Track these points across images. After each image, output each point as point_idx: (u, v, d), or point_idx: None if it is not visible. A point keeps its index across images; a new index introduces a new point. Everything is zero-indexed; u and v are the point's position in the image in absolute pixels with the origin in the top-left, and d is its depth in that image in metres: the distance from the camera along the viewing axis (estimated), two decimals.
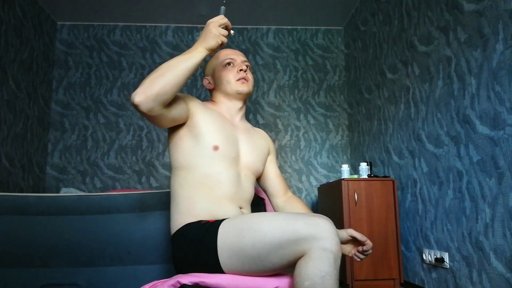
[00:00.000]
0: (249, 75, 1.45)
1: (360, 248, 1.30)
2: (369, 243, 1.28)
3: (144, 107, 1.11)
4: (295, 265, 1.05)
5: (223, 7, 1.30)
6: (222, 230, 1.14)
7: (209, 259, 1.14)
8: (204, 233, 1.16)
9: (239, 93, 1.41)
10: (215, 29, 1.19)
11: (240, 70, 1.42)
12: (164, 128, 1.34)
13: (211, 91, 1.50)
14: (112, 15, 4.04)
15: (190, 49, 1.20)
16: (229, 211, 1.27)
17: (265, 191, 1.56)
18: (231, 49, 1.49)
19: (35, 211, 1.70)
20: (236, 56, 1.45)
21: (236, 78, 1.41)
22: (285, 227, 1.05)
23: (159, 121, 1.21)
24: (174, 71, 1.14)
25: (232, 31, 1.26)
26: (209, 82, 1.49)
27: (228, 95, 1.43)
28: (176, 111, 1.25)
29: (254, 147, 1.43)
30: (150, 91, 1.11)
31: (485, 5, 1.94)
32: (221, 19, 1.21)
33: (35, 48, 3.70)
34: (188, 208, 1.25)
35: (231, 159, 1.32)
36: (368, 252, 1.30)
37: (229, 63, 1.44)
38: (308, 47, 4.29)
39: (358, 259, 1.32)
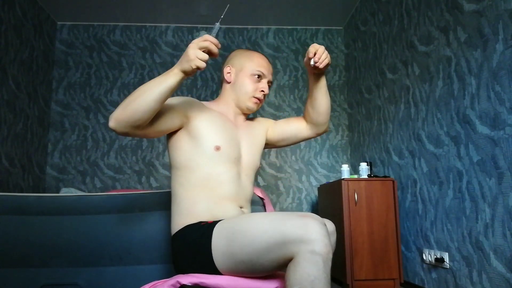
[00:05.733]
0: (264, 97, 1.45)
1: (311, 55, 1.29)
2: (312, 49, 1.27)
3: (119, 131, 1.11)
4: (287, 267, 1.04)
5: (217, 24, 1.17)
6: (215, 233, 1.14)
7: (206, 260, 1.14)
8: (201, 235, 1.16)
9: (247, 108, 1.41)
10: (193, 51, 1.08)
11: (262, 91, 1.41)
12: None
13: (226, 82, 1.44)
14: (112, 15, 4.04)
15: (168, 70, 1.14)
16: (230, 211, 1.26)
17: (293, 136, 1.53)
18: (266, 60, 1.45)
19: (35, 211, 1.70)
20: (267, 73, 1.43)
21: (254, 95, 1.40)
22: (272, 231, 1.03)
23: (144, 136, 1.20)
24: (146, 96, 1.09)
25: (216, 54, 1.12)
26: (230, 75, 1.43)
27: (238, 100, 1.41)
28: (163, 125, 1.22)
29: (253, 144, 1.43)
30: (121, 117, 1.10)
31: (485, 5, 1.93)
32: (202, 41, 1.09)
33: (35, 48, 3.70)
34: (189, 209, 1.25)
35: (233, 159, 1.32)
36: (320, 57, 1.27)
37: (258, 76, 1.40)
38: (308, 47, 4.29)
39: (319, 64, 1.29)
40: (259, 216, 1.10)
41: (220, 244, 1.11)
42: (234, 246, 1.08)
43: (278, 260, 1.04)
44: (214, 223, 1.18)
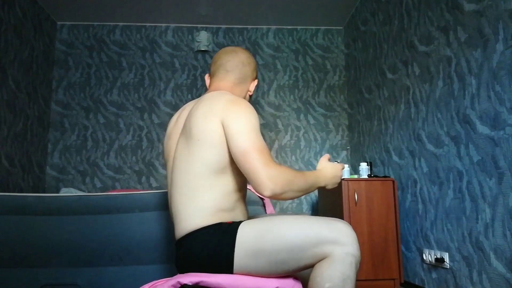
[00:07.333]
0: None
1: None
2: None
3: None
4: (313, 267, 1.09)
5: (346, 165, 1.39)
6: (242, 231, 1.14)
7: (223, 259, 1.13)
8: (223, 233, 1.15)
9: None
10: (339, 180, 1.34)
11: None
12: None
13: (249, 95, 1.50)
14: (112, 15, 4.04)
15: (317, 177, 1.28)
16: (246, 212, 1.31)
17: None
18: None
19: (35, 211, 1.70)
20: None
21: None
22: (308, 230, 1.09)
23: None
24: (301, 192, 1.21)
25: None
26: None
27: None
28: None
29: None
30: (279, 195, 1.15)
31: (485, 5, 1.93)
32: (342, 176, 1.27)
33: (35, 48, 3.70)
34: (214, 209, 1.21)
35: None
36: None
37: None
38: (308, 47, 4.29)
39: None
40: (291, 217, 1.17)
41: (247, 241, 1.12)
42: (265, 244, 1.10)
43: (306, 260, 1.09)
44: (234, 223, 1.18)
